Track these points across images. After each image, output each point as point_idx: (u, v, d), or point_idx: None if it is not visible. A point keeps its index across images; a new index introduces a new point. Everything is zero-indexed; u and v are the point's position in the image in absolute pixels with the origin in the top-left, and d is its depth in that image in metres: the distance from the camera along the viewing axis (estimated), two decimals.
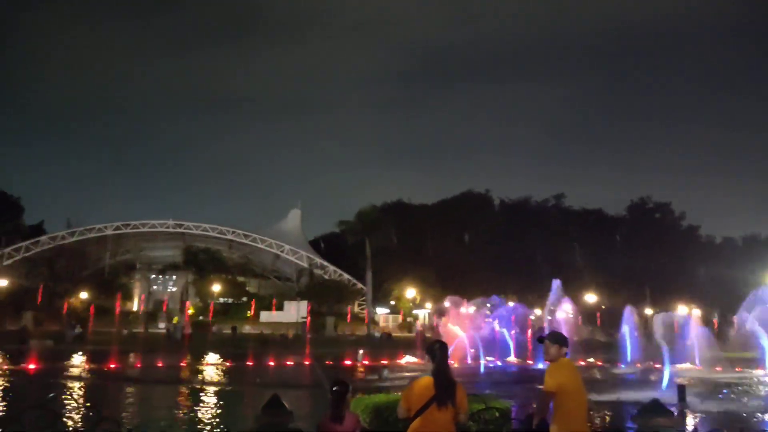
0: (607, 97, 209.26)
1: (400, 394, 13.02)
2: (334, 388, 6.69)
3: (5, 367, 31.35)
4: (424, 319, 72.75)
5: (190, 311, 71.88)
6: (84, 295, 68.71)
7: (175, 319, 61.91)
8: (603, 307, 72.62)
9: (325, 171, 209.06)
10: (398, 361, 37.97)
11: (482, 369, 32.54)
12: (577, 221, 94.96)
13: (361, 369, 34.16)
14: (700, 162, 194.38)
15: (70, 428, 9.31)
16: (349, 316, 71.62)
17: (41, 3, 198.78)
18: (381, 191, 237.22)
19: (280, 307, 72.93)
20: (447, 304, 65.84)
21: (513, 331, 43.73)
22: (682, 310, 64.76)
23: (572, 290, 53.48)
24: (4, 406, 18.84)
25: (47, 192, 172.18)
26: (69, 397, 20.74)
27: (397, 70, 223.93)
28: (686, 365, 33.39)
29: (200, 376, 29.52)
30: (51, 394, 18.91)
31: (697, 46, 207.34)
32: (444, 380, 5.94)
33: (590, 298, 73.03)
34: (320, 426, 6.60)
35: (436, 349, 6.21)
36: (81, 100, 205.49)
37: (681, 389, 20.80)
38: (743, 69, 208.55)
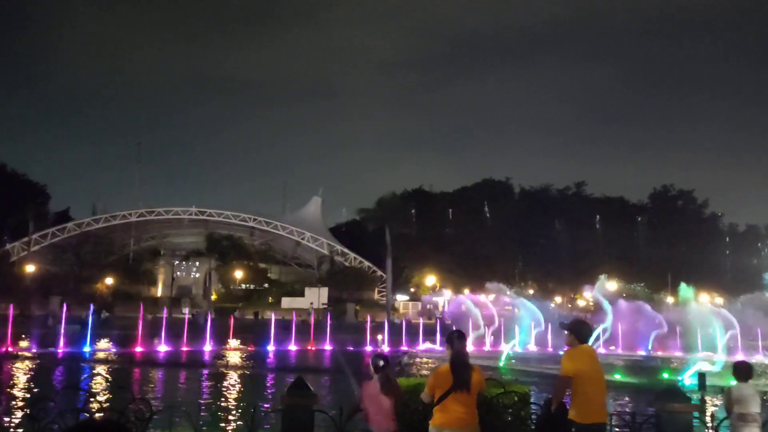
0: (627, 84, 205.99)
1: (418, 378, 13.28)
2: (381, 364, 6.84)
3: (34, 350, 32.19)
4: (444, 305, 72.88)
5: (213, 297, 72.78)
6: (109, 280, 69.85)
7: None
8: (624, 295, 72.25)
9: (345, 157, 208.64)
10: (417, 347, 38.24)
11: (503, 357, 32.59)
12: (598, 209, 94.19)
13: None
14: (724, 150, 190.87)
15: (102, 408, 9.68)
16: (369, 302, 71.96)
17: None
18: (401, 178, 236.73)
19: (301, 294, 73.59)
20: (467, 292, 65.96)
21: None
22: (704, 298, 64.16)
23: (592, 278, 53.17)
24: (37, 387, 19.45)
25: (73, 179, 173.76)
26: (99, 379, 21.33)
27: (416, 56, 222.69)
28: (708, 353, 33.21)
29: (223, 361, 30.09)
30: (83, 376, 19.46)
31: (722, 30, 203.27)
32: (460, 367, 6.41)
33: (610, 286, 72.54)
34: (368, 395, 6.71)
35: (454, 338, 6.59)
36: (106, 87, 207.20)
37: (701, 376, 20.89)
38: None
